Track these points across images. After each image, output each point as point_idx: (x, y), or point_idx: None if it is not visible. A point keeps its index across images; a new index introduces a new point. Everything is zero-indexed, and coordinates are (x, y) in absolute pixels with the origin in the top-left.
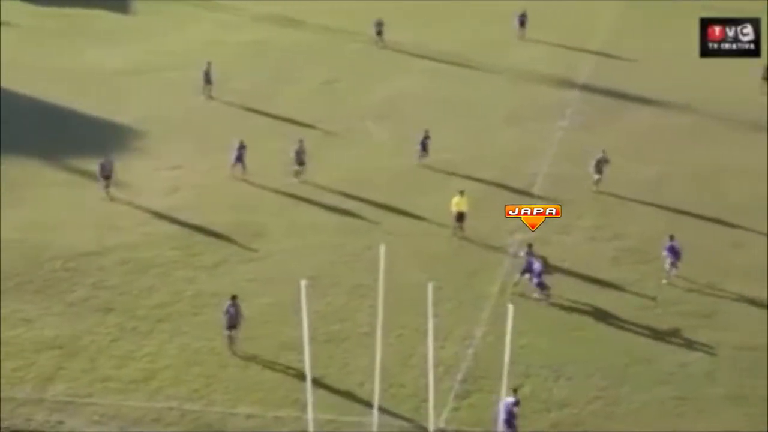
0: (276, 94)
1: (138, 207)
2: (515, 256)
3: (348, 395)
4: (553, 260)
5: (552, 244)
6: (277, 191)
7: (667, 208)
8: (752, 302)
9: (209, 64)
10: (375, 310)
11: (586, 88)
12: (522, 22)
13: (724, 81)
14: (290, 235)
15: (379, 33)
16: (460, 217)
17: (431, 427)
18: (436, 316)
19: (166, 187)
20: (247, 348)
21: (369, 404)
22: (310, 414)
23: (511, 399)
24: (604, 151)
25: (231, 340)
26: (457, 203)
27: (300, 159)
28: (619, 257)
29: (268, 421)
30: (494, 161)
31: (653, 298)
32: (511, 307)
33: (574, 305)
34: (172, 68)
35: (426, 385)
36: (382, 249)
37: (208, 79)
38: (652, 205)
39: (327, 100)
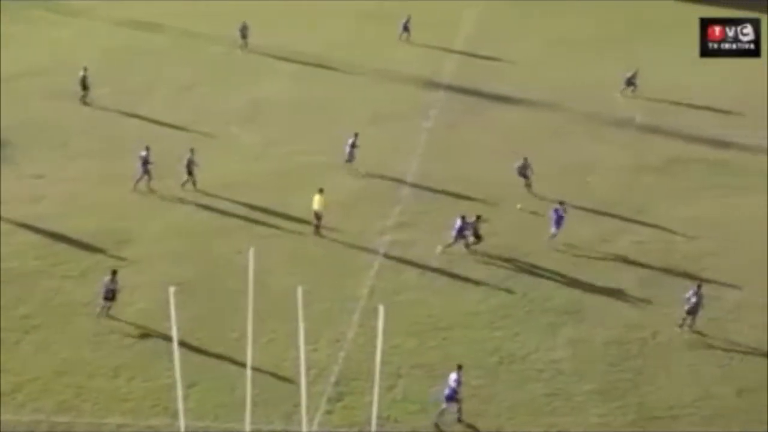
0: (142, 99)
1: (1, 217)
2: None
3: (220, 402)
4: (424, 261)
5: (421, 244)
6: (145, 196)
7: (536, 205)
8: (619, 297)
9: (86, 69)
10: (245, 314)
11: (450, 88)
12: (406, 27)
13: (588, 80)
14: (159, 240)
15: (244, 36)
16: (318, 215)
17: (305, 430)
18: (306, 319)
19: (30, 195)
20: (116, 357)
21: (242, 410)
22: (182, 422)
23: (454, 375)
24: (525, 159)
25: (104, 310)
26: (317, 201)
27: (189, 169)
28: (489, 255)
29: (140, 429)
30: (362, 162)
31: (524, 295)
32: (381, 308)
33: (442, 305)
34: (34, 74)
35: (299, 389)
36: (251, 253)
37: (84, 85)
38: (521, 202)
39: (193, 104)
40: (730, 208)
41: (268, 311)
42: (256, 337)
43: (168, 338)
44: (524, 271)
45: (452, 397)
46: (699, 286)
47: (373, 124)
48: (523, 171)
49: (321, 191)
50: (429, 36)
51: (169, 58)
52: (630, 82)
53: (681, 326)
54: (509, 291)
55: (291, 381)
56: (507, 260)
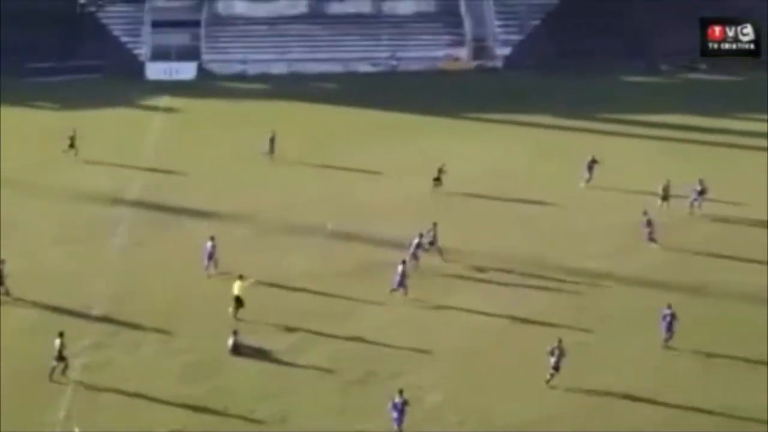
0: None
1: None
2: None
3: None
4: (121, 381)
5: (114, 365)
6: None
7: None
8: (323, 406)
9: None
10: None
11: (137, 204)
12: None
13: (285, 190)
14: None
15: None
16: (238, 301)
17: None
18: None
19: None
20: None
21: None
22: None
23: (398, 399)
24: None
25: None
26: (237, 287)
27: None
28: (187, 372)
29: None
30: (47, 285)
31: (225, 409)
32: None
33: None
34: None
35: None
36: None
37: None
38: (219, 316)
39: None
40: (428, 311)
41: None
42: None
43: None
44: (226, 389)
45: (400, 418)
46: (560, 340)
47: (58, 244)
48: None
49: (241, 277)
50: (110, 151)
51: None
52: None
53: (548, 381)
54: (209, 409)
55: None
56: (205, 377)
